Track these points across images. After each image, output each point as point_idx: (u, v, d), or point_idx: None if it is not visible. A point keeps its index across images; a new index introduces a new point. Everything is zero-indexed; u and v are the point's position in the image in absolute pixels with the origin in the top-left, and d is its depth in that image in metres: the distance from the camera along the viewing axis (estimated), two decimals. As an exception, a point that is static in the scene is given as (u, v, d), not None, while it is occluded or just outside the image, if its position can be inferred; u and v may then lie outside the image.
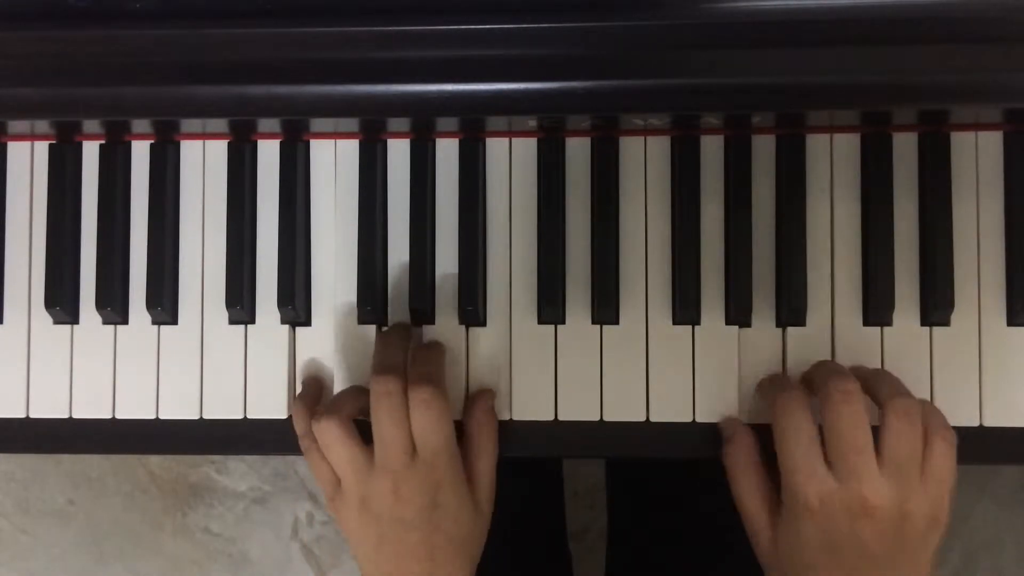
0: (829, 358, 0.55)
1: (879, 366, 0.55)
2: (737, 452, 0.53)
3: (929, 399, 0.55)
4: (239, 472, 1.31)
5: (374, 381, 0.52)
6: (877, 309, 0.55)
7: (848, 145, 0.56)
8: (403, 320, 0.57)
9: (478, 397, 0.56)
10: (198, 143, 0.58)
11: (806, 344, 0.56)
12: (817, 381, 0.51)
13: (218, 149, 0.58)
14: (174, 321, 0.58)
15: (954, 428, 0.50)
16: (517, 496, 0.76)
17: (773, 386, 0.53)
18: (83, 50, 0.50)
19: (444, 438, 0.52)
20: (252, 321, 0.58)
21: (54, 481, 1.33)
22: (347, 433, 0.52)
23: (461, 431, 0.55)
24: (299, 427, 0.56)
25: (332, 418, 0.52)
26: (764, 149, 0.56)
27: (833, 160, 0.56)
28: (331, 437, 0.52)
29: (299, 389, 0.58)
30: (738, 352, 0.56)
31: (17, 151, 0.59)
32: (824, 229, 0.56)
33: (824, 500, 0.48)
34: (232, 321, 0.58)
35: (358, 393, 0.55)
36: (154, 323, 0.58)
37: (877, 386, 0.51)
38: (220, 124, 0.57)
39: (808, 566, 0.49)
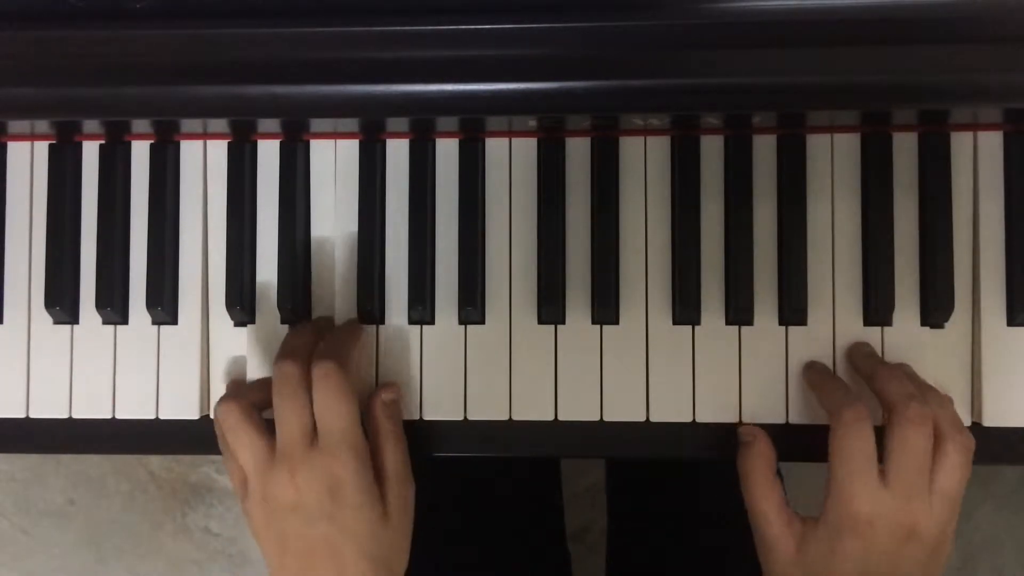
0: (829, 359, 0.55)
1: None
2: (756, 458, 0.52)
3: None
4: (239, 472, 1.31)
5: (275, 366, 0.51)
6: (877, 309, 0.55)
7: (848, 145, 0.56)
8: (352, 318, 0.57)
9: (376, 391, 0.54)
10: (198, 143, 0.58)
11: (807, 344, 0.56)
12: (892, 394, 0.50)
13: (218, 149, 0.58)
14: (174, 321, 0.58)
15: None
16: (516, 496, 0.76)
17: (832, 389, 0.51)
18: (83, 50, 0.50)
19: (345, 421, 0.49)
20: (252, 321, 0.58)
21: (54, 481, 1.33)
22: (248, 418, 0.51)
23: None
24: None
25: (234, 401, 0.51)
26: (764, 149, 0.56)
27: (833, 160, 0.56)
28: (232, 421, 0.50)
29: None
30: (738, 352, 0.56)
31: (17, 151, 0.59)
32: (824, 229, 0.56)
33: (876, 517, 0.47)
34: (232, 321, 0.58)
35: (265, 383, 0.53)
36: (154, 323, 0.58)
37: (942, 413, 0.50)
38: (220, 124, 0.57)
39: None
